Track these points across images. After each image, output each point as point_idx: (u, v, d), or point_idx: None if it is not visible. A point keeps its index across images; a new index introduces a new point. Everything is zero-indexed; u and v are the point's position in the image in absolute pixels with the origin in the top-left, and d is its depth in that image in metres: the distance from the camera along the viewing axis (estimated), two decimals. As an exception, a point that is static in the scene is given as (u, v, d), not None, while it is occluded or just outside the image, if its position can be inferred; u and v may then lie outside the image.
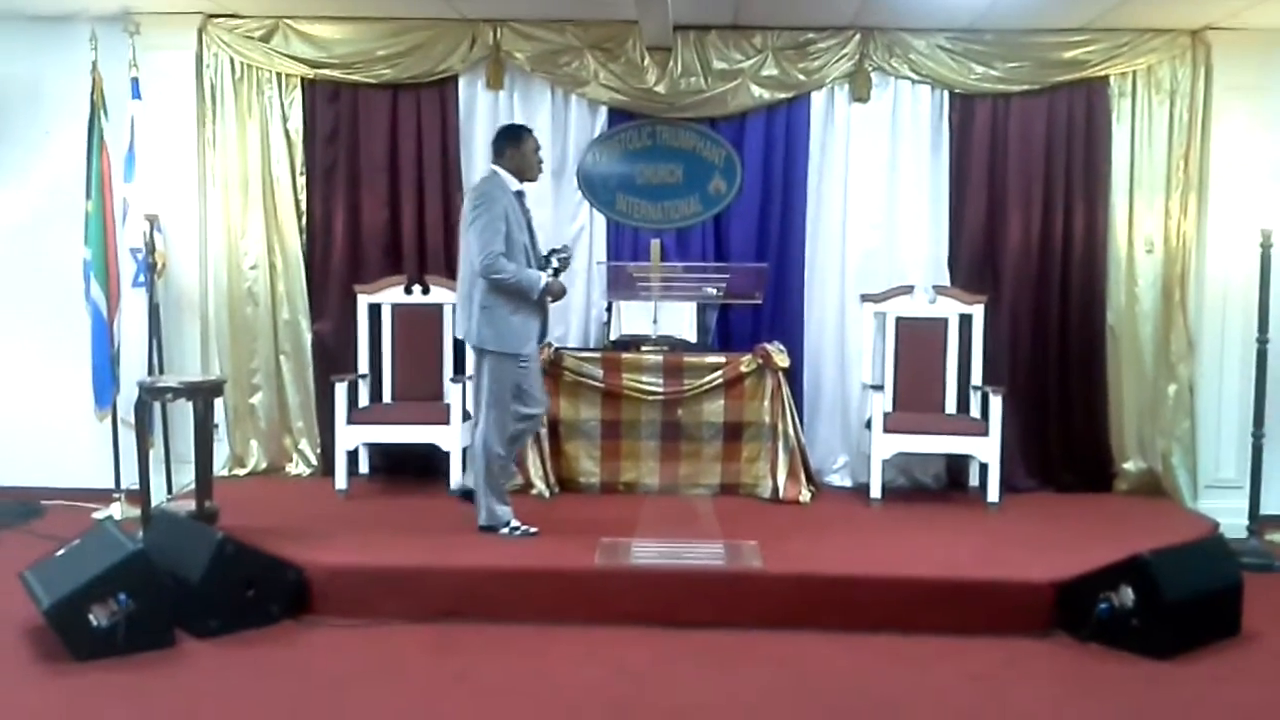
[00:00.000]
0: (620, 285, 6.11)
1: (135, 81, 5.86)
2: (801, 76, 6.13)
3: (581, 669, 3.99)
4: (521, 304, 4.90)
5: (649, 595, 4.46)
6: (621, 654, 4.11)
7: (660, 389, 5.84)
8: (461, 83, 6.23)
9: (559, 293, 5.08)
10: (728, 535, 5.02)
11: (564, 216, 6.32)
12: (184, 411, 5.48)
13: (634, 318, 6.07)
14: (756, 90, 6.13)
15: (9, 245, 6.04)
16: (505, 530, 4.97)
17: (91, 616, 3.91)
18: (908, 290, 6.12)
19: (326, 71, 6.14)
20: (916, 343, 6.08)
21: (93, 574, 3.96)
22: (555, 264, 5.04)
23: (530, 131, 5.14)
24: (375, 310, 6.15)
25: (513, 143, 5.01)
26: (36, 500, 5.88)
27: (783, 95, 6.16)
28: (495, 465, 5.01)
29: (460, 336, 5.13)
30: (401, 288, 6.15)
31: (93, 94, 5.78)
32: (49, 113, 6.14)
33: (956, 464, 6.18)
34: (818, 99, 6.23)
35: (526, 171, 5.03)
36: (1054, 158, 6.14)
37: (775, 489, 5.77)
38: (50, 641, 3.95)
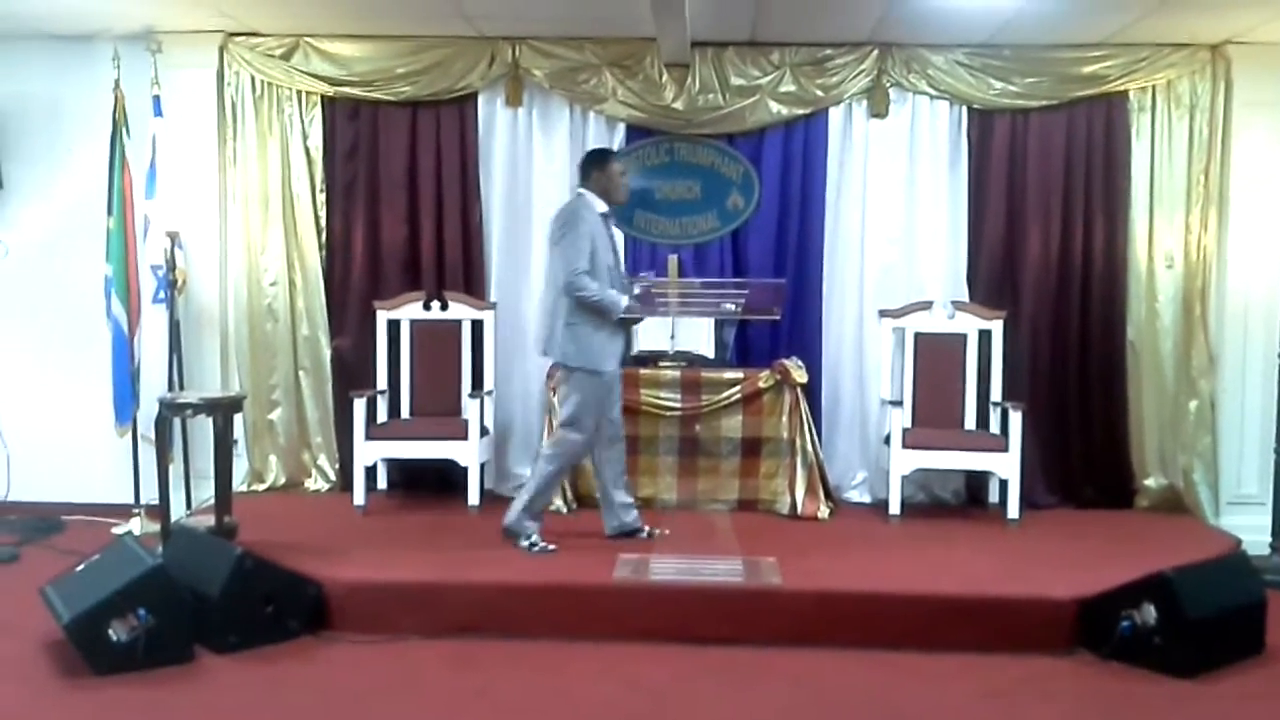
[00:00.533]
0: (639, 301, 6.09)
1: (157, 99, 5.90)
2: (819, 92, 6.13)
3: (599, 685, 3.98)
4: (605, 322, 4.96)
5: (667, 611, 4.44)
6: (639, 670, 4.10)
7: (678, 405, 5.83)
8: (480, 100, 6.25)
9: (637, 317, 5.19)
10: (746, 551, 5.00)
11: (582, 233, 6.33)
12: (204, 427, 5.50)
13: (652, 334, 6.06)
14: (774, 106, 6.14)
15: (32, 262, 6.08)
16: (525, 543, 4.97)
17: (111, 631, 3.92)
18: (926, 305, 6.10)
19: (346, 89, 6.18)
20: (935, 358, 6.06)
21: (112, 589, 3.97)
22: (638, 290, 5.15)
23: (616, 155, 5.27)
24: (394, 326, 6.16)
25: (599, 166, 5.09)
26: (57, 515, 5.91)
27: (800, 111, 6.17)
28: (551, 480, 5.07)
29: (542, 354, 5.22)
30: (420, 304, 6.17)
31: (115, 112, 5.82)
32: (71, 130, 6.19)
33: (976, 480, 6.14)
34: (835, 115, 6.23)
35: (613, 194, 5.10)
36: (1073, 173, 6.12)
37: (794, 505, 5.75)
38: (70, 656, 3.96)
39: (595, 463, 5.25)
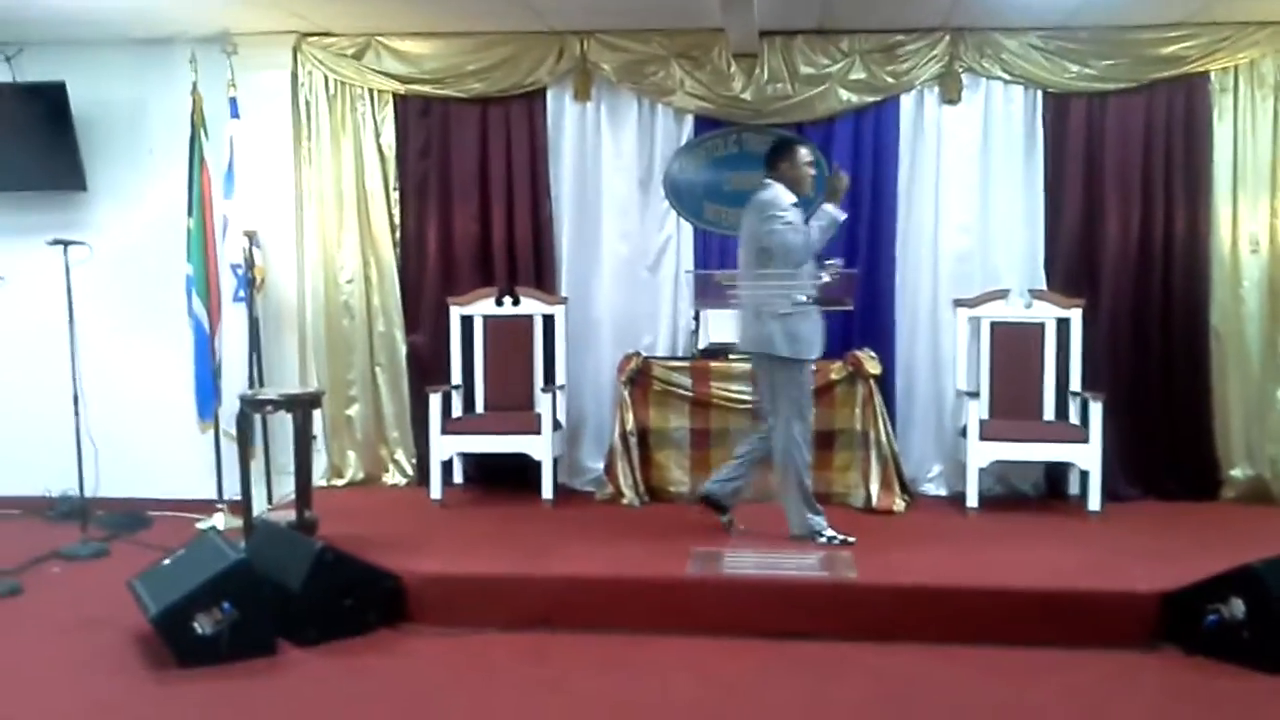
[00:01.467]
0: (708, 294, 6.08)
1: (233, 101, 6.02)
2: (890, 79, 6.06)
3: (674, 679, 3.98)
4: (809, 312, 4.94)
5: (741, 605, 4.43)
6: (714, 664, 4.09)
7: (750, 397, 5.79)
8: (549, 95, 6.27)
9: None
10: (821, 545, 4.97)
11: (651, 226, 6.33)
12: (283, 423, 5.61)
13: (722, 326, 6.03)
14: (844, 94, 6.07)
15: (116, 262, 6.20)
16: (823, 539, 4.97)
17: (196, 624, 4.00)
18: (1003, 294, 6.00)
19: (417, 87, 6.24)
20: (1013, 348, 5.95)
21: (198, 582, 4.07)
22: (827, 278, 5.13)
23: (803, 144, 5.17)
24: (467, 322, 6.22)
25: (787, 157, 5.03)
26: (144, 510, 6.06)
27: (871, 98, 6.10)
28: (805, 473, 5.04)
29: (745, 348, 5.19)
30: (493, 299, 6.21)
31: (193, 114, 5.95)
32: (152, 133, 6.32)
33: (1056, 472, 6.03)
34: (907, 101, 6.15)
35: (800, 184, 5.03)
36: (1153, 156, 5.97)
37: (868, 498, 5.70)
38: (158, 648, 4.06)
39: (752, 438, 5.22)
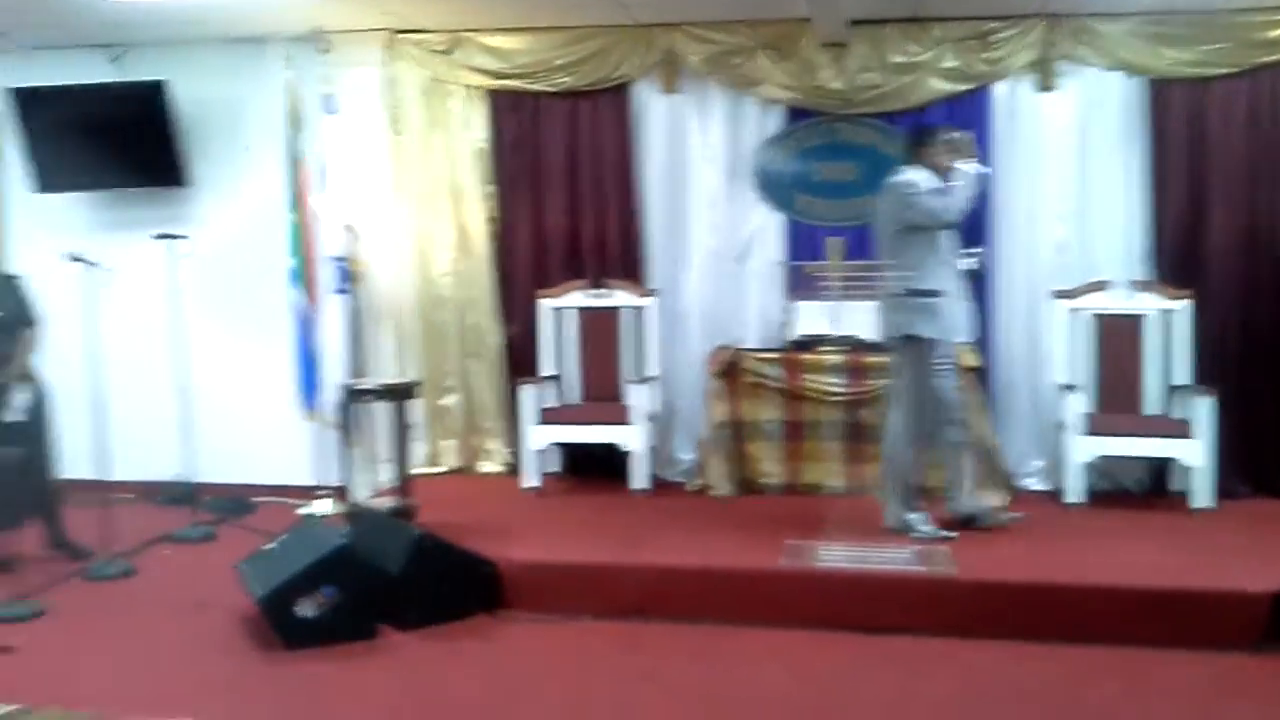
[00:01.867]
0: (799, 285, 6.06)
1: (328, 97, 6.12)
2: (984, 67, 5.95)
3: (766, 672, 3.98)
4: (955, 294, 4.94)
5: (836, 598, 4.41)
6: (807, 657, 4.09)
7: (843, 389, 5.76)
8: (637, 88, 6.29)
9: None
10: (915, 539, 4.92)
11: (740, 218, 6.31)
12: (383, 412, 5.71)
13: (813, 317, 6.01)
14: (936, 83, 5.98)
15: (217, 256, 6.35)
16: (917, 535, 4.93)
17: (298, 608, 4.12)
18: (1104, 285, 5.85)
19: (508, 82, 6.30)
20: (1115, 340, 5.82)
21: (301, 566, 4.19)
22: (968, 265, 5.14)
23: (941, 128, 5.13)
24: (558, 314, 6.27)
25: (929, 142, 5.01)
26: (248, 496, 6.21)
27: (964, 87, 5.99)
28: (907, 467, 5.01)
29: (887, 334, 5.13)
30: (583, 291, 6.25)
31: (288, 110, 6.07)
32: (249, 129, 6.47)
33: (1162, 467, 5.86)
34: (1000, 89, 6.03)
35: (939, 169, 4.98)
36: (1260, 143, 5.77)
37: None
38: (264, 629, 4.19)
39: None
